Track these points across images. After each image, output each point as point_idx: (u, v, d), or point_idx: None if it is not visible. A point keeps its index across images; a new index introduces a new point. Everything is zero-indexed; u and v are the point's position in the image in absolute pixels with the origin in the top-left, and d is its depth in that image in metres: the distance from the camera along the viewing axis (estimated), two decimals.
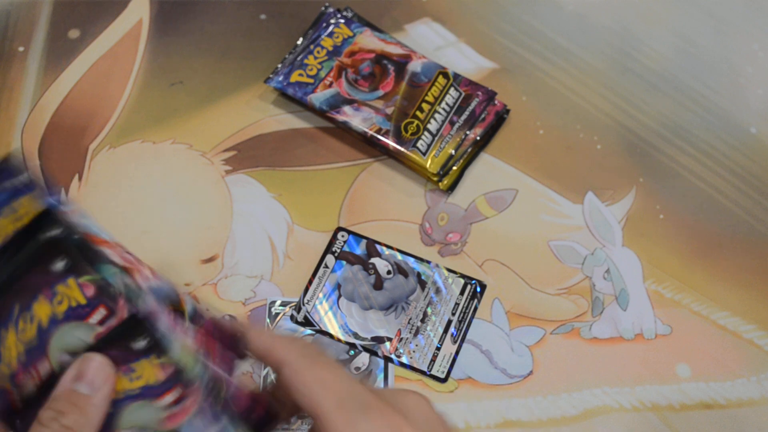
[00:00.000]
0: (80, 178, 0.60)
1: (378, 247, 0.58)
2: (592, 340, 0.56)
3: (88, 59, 0.65)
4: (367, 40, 0.63)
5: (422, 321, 0.55)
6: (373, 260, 0.57)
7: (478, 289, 0.57)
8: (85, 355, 0.35)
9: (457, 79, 0.62)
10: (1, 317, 0.34)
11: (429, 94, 0.61)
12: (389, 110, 0.60)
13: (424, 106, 0.60)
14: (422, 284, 0.57)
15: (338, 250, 0.57)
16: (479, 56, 0.67)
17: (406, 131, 0.60)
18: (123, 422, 0.34)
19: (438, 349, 0.54)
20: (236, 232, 0.59)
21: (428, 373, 0.54)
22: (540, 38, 0.68)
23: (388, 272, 0.57)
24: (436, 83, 0.61)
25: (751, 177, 0.63)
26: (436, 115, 0.60)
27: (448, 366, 0.54)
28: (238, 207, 0.60)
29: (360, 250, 0.57)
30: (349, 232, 0.58)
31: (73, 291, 0.34)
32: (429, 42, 0.67)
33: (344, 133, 0.62)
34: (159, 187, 0.60)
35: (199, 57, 0.66)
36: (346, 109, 0.60)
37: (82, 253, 0.34)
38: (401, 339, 0.55)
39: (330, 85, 0.61)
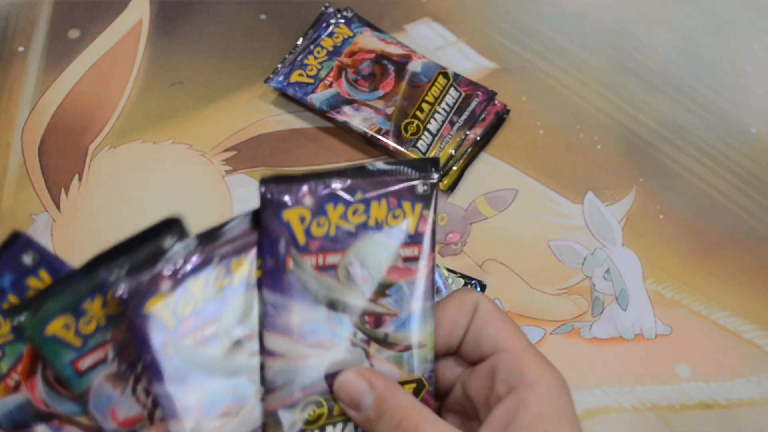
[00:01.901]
0: (80, 178, 0.60)
1: None
2: (592, 340, 0.56)
3: (88, 59, 0.65)
4: (367, 40, 0.63)
5: None
6: None
7: (478, 289, 0.57)
8: None
9: (457, 79, 0.62)
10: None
11: (429, 94, 0.61)
12: (389, 110, 0.60)
13: (424, 106, 0.60)
14: None
15: None
16: (479, 56, 0.67)
17: (406, 131, 0.60)
18: (354, 250, 0.35)
19: None
20: None
21: None
22: (540, 38, 0.68)
23: None
24: (436, 83, 0.61)
25: (751, 177, 0.63)
26: (436, 115, 0.60)
27: None
28: (238, 207, 0.60)
29: None
30: None
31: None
32: (429, 42, 0.67)
33: (344, 133, 0.62)
34: (159, 187, 0.60)
35: (199, 57, 0.66)
36: (346, 109, 0.60)
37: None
38: None
39: (330, 85, 0.61)
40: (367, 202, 0.35)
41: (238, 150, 0.62)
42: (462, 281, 0.57)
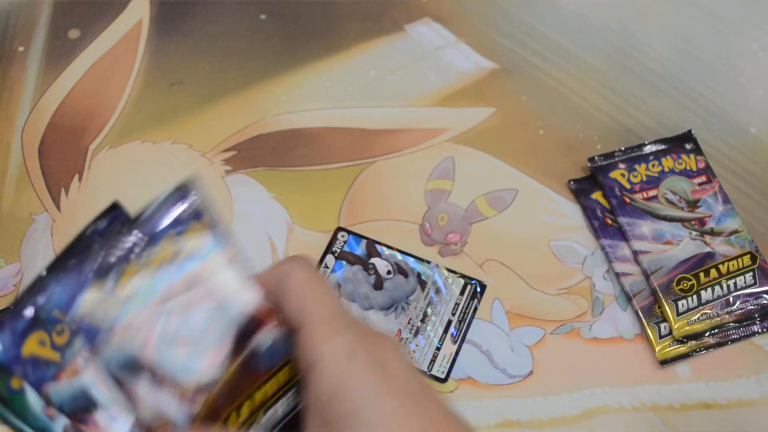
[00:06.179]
0: (80, 178, 0.60)
1: (378, 247, 0.58)
2: (592, 340, 0.56)
3: (88, 59, 0.65)
4: None
5: (422, 321, 0.55)
6: (373, 260, 0.57)
7: (478, 289, 0.57)
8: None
9: None
10: None
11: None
12: None
13: None
14: (422, 284, 0.57)
15: (338, 250, 0.57)
16: (479, 56, 0.67)
17: None
18: (664, 185, 0.57)
19: (438, 349, 0.54)
20: (236, 232, 0.59)
21: (428, 373, 0.54)
22: (540, 38, 0.68)
23: (388, 272, 0.57)
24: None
25: (751, 177, 0.63)
26: None
27: (448, 366, 0.54)
28: (238, 207, 0.60)
29: (360, 250, 0.57)
30: (349, 232, 0.58)
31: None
32: (429, 42, 0.67)
33: (344, 132, 0.62)
34: (159, 187, 0.60)
35: (199, 57, 0.66)
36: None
37: None
38: (401, 339, 0.55)
39: None
40: (658, 159, 0.59)
41: (238, 150, 0.62)
42: (462, 281, 0.57)
